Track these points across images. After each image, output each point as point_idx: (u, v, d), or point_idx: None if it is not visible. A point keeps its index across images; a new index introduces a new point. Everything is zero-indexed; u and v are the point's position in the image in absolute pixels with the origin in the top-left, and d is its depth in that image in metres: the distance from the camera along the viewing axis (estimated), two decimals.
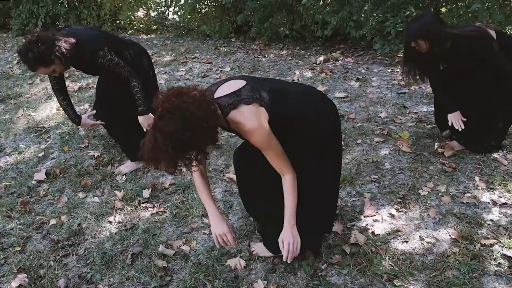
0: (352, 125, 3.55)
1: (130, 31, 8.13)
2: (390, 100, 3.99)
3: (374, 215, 2.47)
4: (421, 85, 3.96)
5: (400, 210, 2.50)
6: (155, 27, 8.38)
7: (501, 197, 2.53)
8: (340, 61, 5.25)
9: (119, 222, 2.62)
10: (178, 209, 2.69)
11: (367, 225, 2.41)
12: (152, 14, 8.71)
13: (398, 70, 4.74)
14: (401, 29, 4.63)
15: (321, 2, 5.81)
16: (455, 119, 2.77)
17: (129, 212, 2.69)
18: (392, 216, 2.46)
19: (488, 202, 2.50)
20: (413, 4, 4.79)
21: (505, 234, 2.23)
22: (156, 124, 1.45)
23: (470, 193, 2.59)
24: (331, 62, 5.24)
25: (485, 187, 2.63)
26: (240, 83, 1.69)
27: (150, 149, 1.45)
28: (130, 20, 8.33)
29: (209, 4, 7.15)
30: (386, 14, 4.89)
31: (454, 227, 2.32)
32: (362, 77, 4.62)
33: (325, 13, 5.53)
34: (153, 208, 2.73)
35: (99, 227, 2.58)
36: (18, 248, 2.45)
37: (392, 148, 3.15)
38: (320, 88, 4.33)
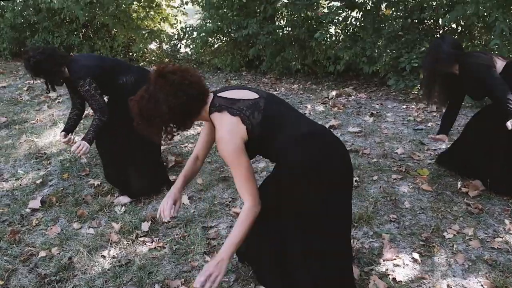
0: (367, 161, 3.35)
1: (142, 63, 8.17)
2: (407, 136, 3.81)
3: (394, 259, 2.22)
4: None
5: (423, 254, 2.25)
6: (167, 59, 8.42)
7: None
8: (353, 96, 5.12)
9: (113, 257, 2.40)
10: (178, 244, 2.47)
11: (387, 270, 2.16)
12: (165, 46, 8.78)
13: (413, 106, 4.59)
14: (416, 64, 4.51)
15: (334, 38, 5.78)
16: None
17: (125, 246, 2.48)
18: (415, 260, 2.21)
19: None
20: (428, 40, 4.69)
21: None
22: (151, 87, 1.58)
23: (501, 237, 2.34)
24: (343, 97, 5.11)
25: None
26: (250, 95, 1.67)
27: (144, 107, 1.57)
28: (143, 52, 8.39)
29: (221, 38, 7.17)
30: (400, 50, 4.80)
31: (486, 276, 2.07)
32: (376, 112, 4.46)
33: (337, 49, 5.47)
34: (152, 243, 2.51)
35: (91, 262, 2.36)
36: (0, 282, 2.23)
37: (411, 186, 2.93)
38: (333, 122, 4.17)
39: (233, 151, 1.57)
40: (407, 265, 2.19)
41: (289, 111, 1.75)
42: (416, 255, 2.23)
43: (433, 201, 2.73)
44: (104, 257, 2.40)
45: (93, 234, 2.63)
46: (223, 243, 2.43)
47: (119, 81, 2.76)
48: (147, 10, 8.39)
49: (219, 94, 1.67)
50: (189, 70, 1.61)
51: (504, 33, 3.78)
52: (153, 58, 8.52)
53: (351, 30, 5.61)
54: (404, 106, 4.64)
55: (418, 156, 3.38)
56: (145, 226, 2.64)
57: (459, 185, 2.86)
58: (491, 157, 2.70)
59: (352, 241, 2.35)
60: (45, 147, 4.00)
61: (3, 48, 8.37)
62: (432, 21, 4.85)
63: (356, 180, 3.01)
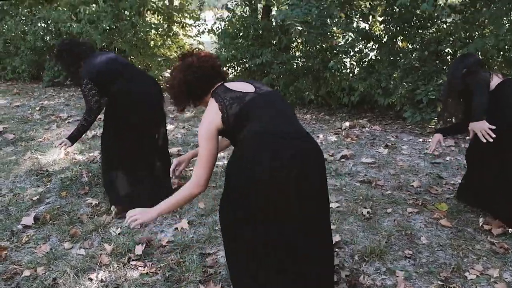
0: (381, 193, 3.15)
1: None
2: (423, 169, 3.60)
3: None
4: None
5: None
6: None
7: None
8: (367, 128, 4.96)
9: (101, 281, 2.21)
10: (172, 271, 2.27)
11: None
12: None
13: (430, 140, 4.39)
14: (434, 97, 4.36)
15: (349, 70, 5.70)
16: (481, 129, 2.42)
17: (115, 270, 2.29)
18: None
19: None
20: (445, 72, 4.56)
21: None
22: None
23: None
24: (357, 128, 4.96)
25: None
26: (248, 88, 1.73)
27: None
28: (158, 79, 8.46)
29: (235, 67, 7.17)
30: (417, 82, 4.67)
31: None
32: (391, 144, 4.28)
33: (352, 80, 5.37)
34: (144, 267, 2.32)
35: (76, 285, 2.17)
36: None
37: (428, 221, 2.71)
38: (345, 152, 4.00)
39: (203, 134, 1.68)
40: None
41: (271, 110, 1.67)
42: None
43: (453, 238, 2.49)
44: (91, 280, 2.21)
45: (83, 255, 2.45)
46: (220, 272, 2.24)
47: (115, 86, 2.76)
48: (165, 38, 8.54)
49: (225, 84, 1.76)
50: (207, 56, 1.81)
51: None
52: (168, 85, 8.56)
53: (366, 62, 5.53)
54: (421, 140, 4.45)
55: (436, 190, 3.16)
56: (139, 249, 2.45)
57: (480, 222, 2.62)
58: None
59: (362, 277, 2.13)
60: (48, 164, 3.90)
61: (22, 70, 8.53)
62: (450, 53, 4.73)
63: (368, 212, 2.81)
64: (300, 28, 4.33)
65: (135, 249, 2.46)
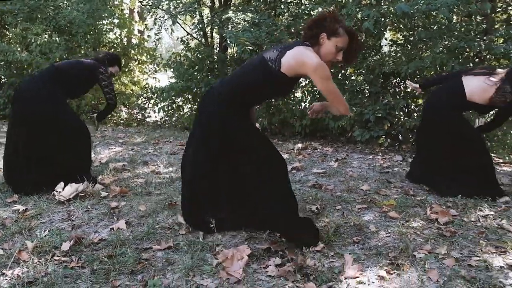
0: (331, 194, 3.09)
1: (109, 124, 8.00)
2: (372, 177, 3.60)
3: (358, 277, 1.87)
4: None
5: (391, 273, 1.91)
6: (135, 124, 8.28)
7: None
8: (318, 149, 4.99)
9: (17, 276, 1.93)
10: (101, 264, 2.03)
11: (348, 286, 1.79)
12: (135, 111, 8.71)
13: (379, 157, 4.46)
14: (380, 115, 4.50)
15: (300, 98, 5.83)
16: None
17: (34, 265, 2.02)
18: (382, 278, 1.86)
19: (503, 266, 1.94)
20: (390, 92, 4.76)
21: None
22: None
23: (478, 256, 2.04)
24: (309, 150, 4.97)
25: (495, 251, 2.09)
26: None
27: None
28: (111, 115, 8.26)
29: (189, 99, 7.16)
30: (364, 103, 4.82)
31: None
32: (342, 159, 4.31)
33: (304, 108, 5.49)
34: (70, 262, 2.06)
35: None
36: None
37: (377, 214, 2.66)
38: (296, 164, 3.97)
39: (329, 74, 2.10)
40: (373, 282, 1.83)
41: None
42: (383, 273, 1.89)
43: (401, 226, 2.44)
44: (4, 274, 1.93)
45: (1, 254, 2.16)
46: (156, 264, 2.04)
47: None
48: (120, 74, 8.46)
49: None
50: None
51: None
52: (121, 121, 8.39)
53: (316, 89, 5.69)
54: (370, 157, 4.51)
55: (385, 191, 3.15)
56: (66, 245, 2.20)
57: (428, 212, 2.60)
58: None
59: (309, 259, 2.00)
60: None
61: None
62: (393, 73, 4.95)
63: (317, 208, 2.72)
64: (251, 48, 4.43)
65: (62, 246, 2.21)
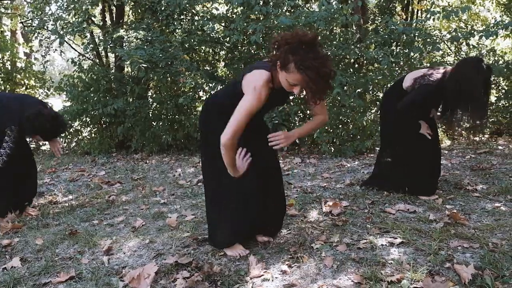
0: None
1: None
2: None
3: (262, 275, 1.98)
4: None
5: (292, 266, 2.06)
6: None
7: (396, 238, 2.28)
8: None
9: None
10: None
11: (253, 285, 1.90)
12: None
13: (280, 160, 4.73)
14: (277, 121, 4.77)
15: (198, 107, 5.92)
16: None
17: None
18: (284, 272, 2.00)
19: (385, 244, 2.22)
20: (288, 101, 5.08)
21: (409, 270, 1.91)
22: None
23: (365, 239, 2.30)
24: None
25: (379, 232, 2.38)
26: None
27: None
28: None
29: (88, 121, 6.82)
30: None
31: (355, 272, 1.94)
32: None
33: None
34: None
35: None
36: None
37: None
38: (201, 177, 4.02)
39: None
40: (276, 277, 1.96)
41: None
42: (285, 267, 2.04)
43: (300, 222, 2.64)
44: None
45: None
46: None
47: None
48: None
49: None
50: None
51: (341, 83, 4.28)
52: None
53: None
54: None
55: (286, 192, 3.36)
56: None
57: (323, 207, 2.85)
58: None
59: (215, 267, 2.07)
60: None
61: None
62: None
63: None
64: (145, 65, 4.40)
65: None
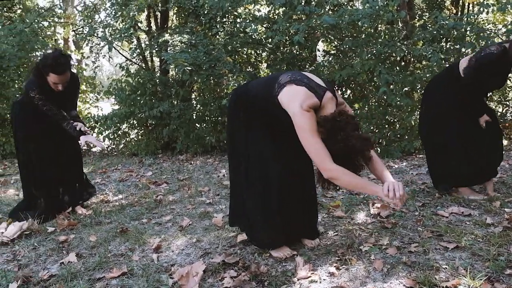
0: None
1: None
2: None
3: (309, 276, 1.96)
4: None
5: (340, 268, 2.02)
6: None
7: (450, 242, 2.17)
8: None
9: None
10: None
11: (301, 286, 1.88)
12: None
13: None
14: None
15: None
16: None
17: None
18: (332, 274, 1.97)
19: (438, 248, 2.12)
20: None
21: (466, 275, 1.81)
22: None
23: (417, 243, 2.21)
24: None
25: (431, 235, 2.28)
26: None
27: None
28: None
29: (134, 123, 7.06)
30: None
31: (407, 276, 1.87)
32: None
33: None
34: None
35: None
36: None
37: (324, 216, 2.79)
38: None
39: None
40: (324, 279, 1.93)
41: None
42: (332, 269, 2.00)
43: (347, 224, 2.58)
44: None
45: None
46: None
47: None
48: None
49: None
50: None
51: (388, 82, 4.16)
52: None
53: None
54: None
55: (331, 194, 3.31)
56: (13, 286, 2.11)
57: (370, 208, 2.78)
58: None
59: (262, 267, 2.07)
60: None
61: None
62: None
63: None
64: (189, 68, 4.50)
65: (8, 287, 2.12)
